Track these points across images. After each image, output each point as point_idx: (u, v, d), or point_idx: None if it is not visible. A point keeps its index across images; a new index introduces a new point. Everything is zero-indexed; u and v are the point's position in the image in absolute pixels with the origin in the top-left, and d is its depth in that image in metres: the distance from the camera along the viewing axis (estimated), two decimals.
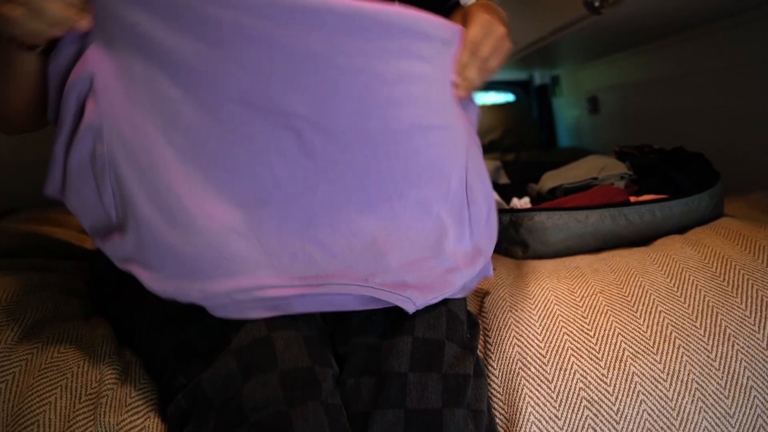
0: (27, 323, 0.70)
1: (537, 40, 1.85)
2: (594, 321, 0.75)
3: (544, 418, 0.69)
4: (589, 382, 0.70)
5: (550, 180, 1.17)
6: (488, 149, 2.55)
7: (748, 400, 0.69)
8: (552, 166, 1.46)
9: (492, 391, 0.72)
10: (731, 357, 0.71)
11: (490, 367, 0.74)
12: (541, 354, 0.73)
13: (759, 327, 0.72)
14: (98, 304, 0.85)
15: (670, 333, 0.73)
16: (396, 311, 0.68)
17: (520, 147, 2.60)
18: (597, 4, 1.26)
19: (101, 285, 0.84)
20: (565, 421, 0.68)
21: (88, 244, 1.14)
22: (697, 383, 0.69)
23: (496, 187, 1.26)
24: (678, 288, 0.78)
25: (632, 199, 1.02)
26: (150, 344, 0.69)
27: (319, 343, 0.66)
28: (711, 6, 1.36)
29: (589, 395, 0.69)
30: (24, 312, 0.72)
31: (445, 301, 0.70)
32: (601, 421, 0.68)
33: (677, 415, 0.68)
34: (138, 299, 0.74)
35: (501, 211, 1.02)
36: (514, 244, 1.01)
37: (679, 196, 0.98)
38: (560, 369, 0.71)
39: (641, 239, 1.00)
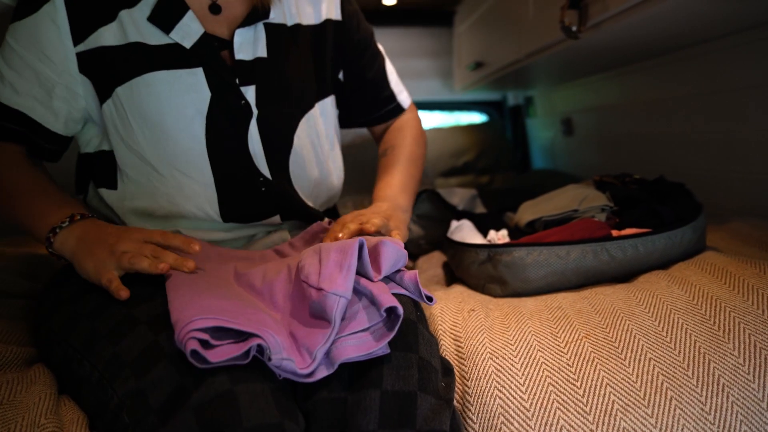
0: None
1: (512, 62, 1.83)
2: (580, 370, 0.70)
3: None
4: None
5: (528, 212, 1.13)
6: (462, 171, 2.52)
7: None
8: (528, 191, 1.42)
9: None
10: (726, 409, 0.66)
11: (469, 421, 0.69)
12: (524, 407, 0.68)
13: (753, 376, 0.68)
14: (44, 348, 0.77)
15: (662, 383, 0.68)
16: (361, 362, 0.62)
17: (495, 169, 2.57)
18: (574, 29, 1.23)
19: (48, 328, 0.76)
20: None
21: (36, 280, 1.06)
22: None
23: (472, 217, 1.22)
24: (667, 332, 0.74)
25: (614, 233, 0.98)
26: (99, 396, 0.62)
27: (287, 395, 0.60)
28: (688, 32, 1.34)
29: None
30: None
31: (416, 348, 0.65)
32: None
33: None
34: (87, 343, 0.67)
35: (478, 247, 0.97)
36: (492, 281, 0.96)
37: (662, 230, 0.94)
38: (546, 424, 0.66)
39: (623, 275, 0.96)
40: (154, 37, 0.82)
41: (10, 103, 0.81)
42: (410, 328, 0.66)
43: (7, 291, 0.94)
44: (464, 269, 1.00)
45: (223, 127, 0.85)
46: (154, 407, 0.56)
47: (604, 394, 0.68)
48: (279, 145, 0.91)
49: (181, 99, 0.82)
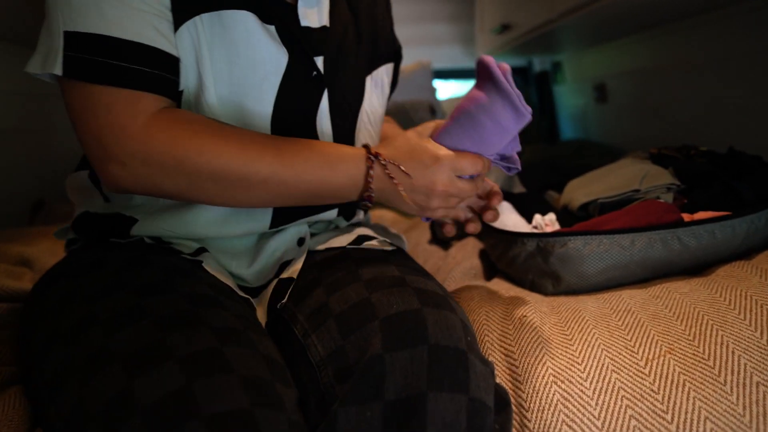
0: None
1: (544, 23, 1.66)
2: (669, 398, 0.56)
3: None
4: None
5: (579, 192, 0.98)
6: None
7: None
8: (567, 165, 1.27)
9: None
10: None
11: None
12: None
13: None
14: (23, 368, 0.64)
15: None
16: (402, 402, 0.49)
17: (522, 139, 2.41)
18: None
19: (27, 347, 0.63)
20: None
21: (25, 279, 0.94)
22: None
23: (512, 198, 1.07)
24: None
25: (685, 216, 0.83)
26: None
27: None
28: None
29: None
30: None
31: (466, 387, 0.51)
32: None
33: None
34: (57, 378, 0.53)
35: (525, 236, 0.82)
36: (542, 276, 0.81)
37: (743, 212, 0.79)
38: None
39: (696, 266, 0.81)
40: None
41: (127, 35, 0.58)
42: (460, 360, 0.52)
43: None
44: (508, 261, 0.86)
45: (294, 99, 0.69)
46: None
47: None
48: (346, 126, 0.76)
49: (259, 50, 0.65)
